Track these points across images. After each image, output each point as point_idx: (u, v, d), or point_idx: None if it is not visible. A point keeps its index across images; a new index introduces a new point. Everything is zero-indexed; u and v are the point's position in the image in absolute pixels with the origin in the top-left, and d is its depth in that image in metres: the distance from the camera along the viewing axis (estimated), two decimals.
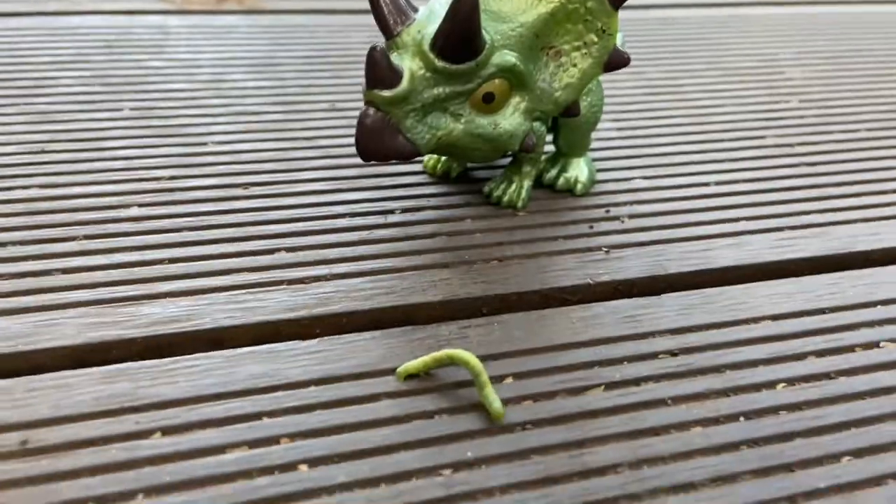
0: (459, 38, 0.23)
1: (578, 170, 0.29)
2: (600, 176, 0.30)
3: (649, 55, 0.41)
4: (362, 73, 0.23)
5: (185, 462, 0.18)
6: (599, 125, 0.33)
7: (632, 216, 0.28)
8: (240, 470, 0.18)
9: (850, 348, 0.23)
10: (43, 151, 0.29)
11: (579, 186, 0.29)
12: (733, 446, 0.20)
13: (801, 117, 0.36)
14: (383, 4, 0.24)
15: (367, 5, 0.47)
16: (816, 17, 0.48)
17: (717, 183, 0.31)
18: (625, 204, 0.29)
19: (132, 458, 0.18)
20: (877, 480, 0.19)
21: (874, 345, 0.23)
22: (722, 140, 0.34)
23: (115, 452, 0.18)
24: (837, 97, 0.39)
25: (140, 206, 0.26)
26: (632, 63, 0.40)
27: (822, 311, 0.24)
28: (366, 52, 0.23)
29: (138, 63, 0.36)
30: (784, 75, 0.41)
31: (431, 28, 0.23)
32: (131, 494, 0.17)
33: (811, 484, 0.19)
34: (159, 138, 0.30)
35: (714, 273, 0.26)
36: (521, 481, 0.18)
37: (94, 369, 0.20)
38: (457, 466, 0.19)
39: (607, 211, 0.28)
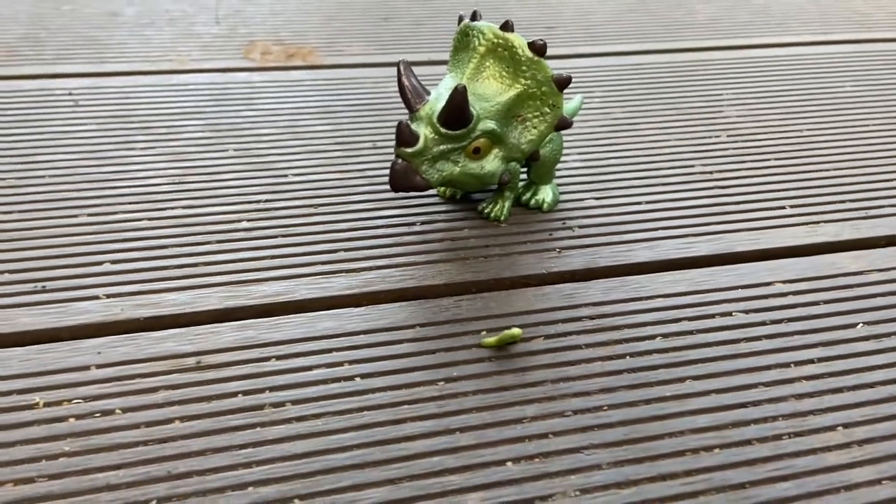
0: (455, 116, 0.35)
1: (545, 193, 0.42)
2: (563, 197, 0.43)
3: (617, 97, 0.53)
4: (397, 118, 0.36)
5: (290, 374, 0.31)
6: (568, 158, 0.46)
7: (581, 227, 0.41)
8: (321, 379, 0.31)
9: (711, 315, 0.35)
10: (181, 182, 0.42)
11: (545, 206, 0.41)
12: (618, 372, 0.32)
13: (726, 149, 0.48)
14: (407, 90, 0.37)
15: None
16: (759, 59, 0.60)
17: (648, 202, 0.43)
18: (577, 218, 0.41)
19: (261, 371, 0.31)
20: (704, 393, 0.31)
21: (728, 314, 0.35)
22: (660, 168, 0.46)
23: (251, 368, 0.31)
24: (759, 132, 0.50)
25: (248, 220, 0.40)
26: (601, 104, 0.52)
27: (697, 292, 0.36)
28: (398, 100, 0.35)
29: (236, 113, 0.49)
30: (722, 113, 0.52)
31: (438, 106, 0.36)
32: (262, 390, 0.30)
33: (662, 393, 0.31)
34: (255, 172, 0.44)
35: (631, 266, 0.38)
36: (482, 388, 0.31)
37: (231, 323, 0.33)
38: (447, 380, 0.31)
39: (564, 223, 0.41)
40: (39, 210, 0.39)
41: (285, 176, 0.43)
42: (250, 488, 0.26)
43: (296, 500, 0.26)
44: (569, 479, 0.27)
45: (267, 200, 0.41)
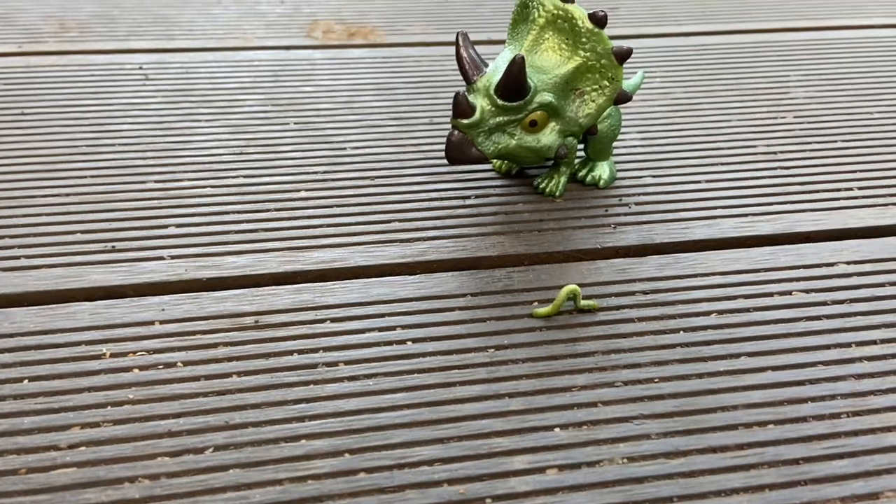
0: (512, 87, 0.35)
1: (602, 170, 0.41)
2: (620, 174, 0.42)
3: (678, 78, 0.52)
4: (454, 94, 0.36)
5: (344, 336, 0.32)
6: (626, 136, 0.45)
7: (637, 203, 0.40)
8: (374, 342, 0.32)
9: (770, 294, 0.34)
10: (242, 153, 0.43)
11: (601, 182, 0.41)
12: (671, 346, 0.32)
13: (791, 130, 0.47)
14: (465, 62, 0.37)
15: None
16: (828, 41, 0.58)
17: (707, 181, 0.42)
18: (634, 195, 0.41)
19: (316, 332, 0.32)
20: (759, 370, 0.31)
21: (787, 293, 0.34)
22: (721, 148, 0.45)
23: (306, 329, 0.32)
24: (827, 114, 0.49)
25: (306, 190, 0.40)
26: (661, 85, 0.51)
27: (756, 271, 0.36)
28: (455, 78, 0.36)
29: (296, 88, 0.50)
30: (788, 94, 0.51)
31: (496, 79, 0.36)
32: (316, 350, 0.31)
33: (716, 368, 0.31)
34: (314, 144, 0.44)
35: (687, 244, 0.38)
36: (532, 357, 0.31)
37: (288, 286, 0.34)
38: (497, 347, 0.31)
39: (620, 200, 0.40)
40: (110, 176, 0.41)
41: (343, 149, 0.44)
42: (303, 441, 0.27)
43: (346, 454, 0.27)
44: (617, 447, 0.27)
45: (325, 172, 0.42)
